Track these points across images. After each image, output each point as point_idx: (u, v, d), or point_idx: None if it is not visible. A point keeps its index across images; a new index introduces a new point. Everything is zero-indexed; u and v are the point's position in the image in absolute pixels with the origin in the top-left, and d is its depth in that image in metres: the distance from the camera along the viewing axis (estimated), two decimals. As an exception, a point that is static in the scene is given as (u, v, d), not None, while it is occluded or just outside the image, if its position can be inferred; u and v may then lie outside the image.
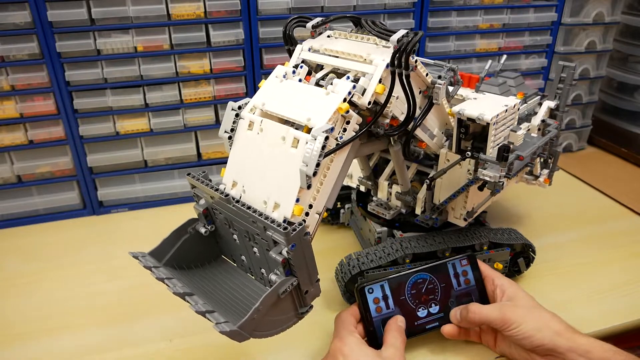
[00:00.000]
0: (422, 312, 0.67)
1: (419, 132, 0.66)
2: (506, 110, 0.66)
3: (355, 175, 0.86)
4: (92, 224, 1.03)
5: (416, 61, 0.57)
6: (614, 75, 1.29)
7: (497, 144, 0.66)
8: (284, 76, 0.59)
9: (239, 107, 0.59)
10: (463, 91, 0.76)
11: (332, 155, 0.54)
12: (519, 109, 0.69)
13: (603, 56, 1.25)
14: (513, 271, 0.82)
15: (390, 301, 0.66)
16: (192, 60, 0.98)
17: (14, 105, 0.93)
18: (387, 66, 0.55)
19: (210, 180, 0.58)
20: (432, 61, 0.79)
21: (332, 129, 0.51)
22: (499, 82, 0.78)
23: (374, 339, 0.65)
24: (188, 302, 0.52)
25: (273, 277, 0.52)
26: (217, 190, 0.56)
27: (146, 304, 0.79)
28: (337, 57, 0.61)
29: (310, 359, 0.68)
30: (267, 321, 0.52)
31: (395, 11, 1.05)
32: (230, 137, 0.59)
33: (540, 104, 0.84)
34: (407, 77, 0.56)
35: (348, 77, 0.56)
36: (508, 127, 0.68)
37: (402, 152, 0.69)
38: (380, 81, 0.55)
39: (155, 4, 0.91)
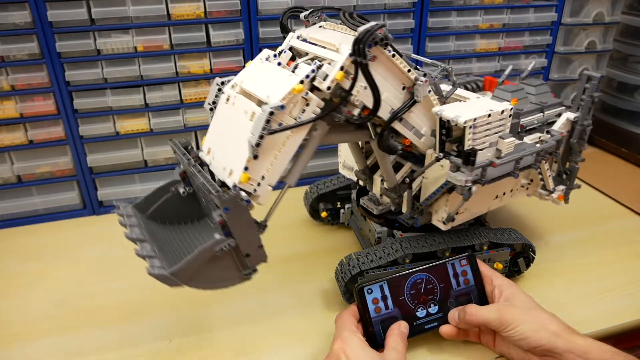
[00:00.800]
0: (421, 312, 0.67)
1: (399, 127, 0.66)
2: (489, 115, 0.63)
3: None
4: (92, 224, 1.03)
5: (394, 55, 0.59)
6: (614, 75, 1.29)
7: (480, 149, 0.65)
8: (267, 59, 0.64)
9: (222, 83, 0.66)
10: (470, 94, 0.74)
11: (289, 132, 0.57)
12: (510, 115, 0.66)
13: (603, 56, 1.25)
14: (513, 271, 0.82)
15: (390, 301, 0.66)
16: (192, 60, 0.98)
17: (14, 105, 0.93)
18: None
19: (189, 148, 0.65)
20: (430, 60, 0.79)
21: (282, 107, 0.54)
22: (514, 88, 0.76)
23: (373, 339, 0.65)
24: (136, 245, 0.59)
25: (217, 235, 0.56)
26: (184, 155, 0.63)
27: (146, 304, 0.79)
28: (323, 47, 0.63)
29: (311, 359, 0.68)
30: (206, 275, 0.57)
31: (395, 11, 1.05)
32: (211, 109, 0.66)
33: (559, 115, 0.80)
34: (365, 66, 0.57)
35: (315, 63, 0.59)
36: (496, 132, 0.66)
37: (377, 144, 0.69)
38: (342, 69, 0.57)
39: (155, 4, 0.91)
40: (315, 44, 0.64)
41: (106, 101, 0.96)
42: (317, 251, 0.92)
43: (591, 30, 1.20)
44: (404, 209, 0.76)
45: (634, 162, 1.25)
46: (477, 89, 0.86)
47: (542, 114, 0.79)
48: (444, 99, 0.75)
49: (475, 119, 0.62)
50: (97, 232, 0.99)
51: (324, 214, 0.95)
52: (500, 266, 0.78)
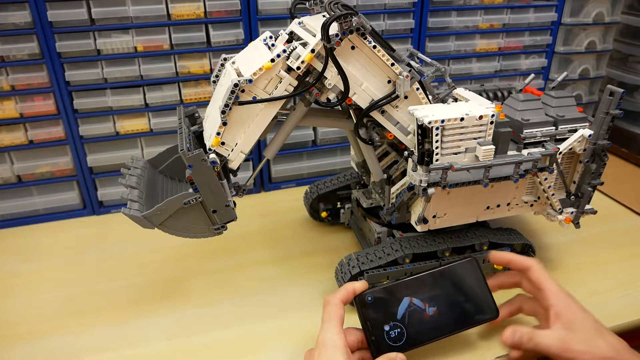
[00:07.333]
0: (426, 320, 0.64)
1: (380, 119, 0.67)
2: (462, 119, 0.62)
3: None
4: (92, 224, 1.03)
5: (373, 45, 0.61)
6: (614, 75, 1.29)
7: (454, 152, 0.64)
8: (265, 40, 0.67)
9: (225, 59, 0.72)
10: (472, 96, 0.71)
11: (262, 106, 0.62)
12: (492, 122, 0.64)
13: (603, 56, 1.25)
14: (513, 271, 0.82)
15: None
16: (192, 60, 0.98)
17: (14, 105, 0.93)
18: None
19: (196, 116, 0.75)
20: (429, 59, 0.79)
21: (250, 81, 0.59)
22: (527, 97, 0.74)
23: (377, 347, 0.62)
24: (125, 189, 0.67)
25: (190, 189, 0.61)
26: (179, 119, 0.70)
27: (146, 304, 0.79)
28: (313, 33, 0.65)
29: (310, 359, 0.68)
30: (178, 223, 0.63)
31: (395, 11, 1.05)
32: (214, 82, 0.73)
33: (575, 130, 0.75)
34: (331, 50, 0.59)
35: (291, 45, 0.62)
36: (474, 138, 0.64)
37: (354, 131, 0.71)
38: (313, 51, 0.60)
39: (155, 4, 0.91)
40: (309, 30, 0.66)
41: (106, 101, 0.96)
42: (317, 251, 0.92)
43: (591, 30, 1.20)
44: (385, 204, 0.76)
45: (634, 162, 1.25)
46: (504, 97, 0.84)
47: (554, 127, 0.75)
48: (439, 99, 0.75)
49: (442, 121, 0.61)
50: (97, 232, 0.99)
51: (324, 214, 0.95)
52: (500, 266, 0.78)
